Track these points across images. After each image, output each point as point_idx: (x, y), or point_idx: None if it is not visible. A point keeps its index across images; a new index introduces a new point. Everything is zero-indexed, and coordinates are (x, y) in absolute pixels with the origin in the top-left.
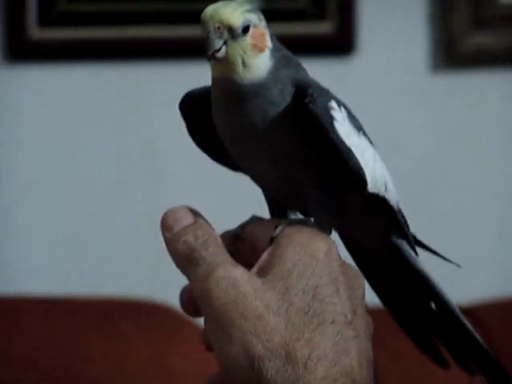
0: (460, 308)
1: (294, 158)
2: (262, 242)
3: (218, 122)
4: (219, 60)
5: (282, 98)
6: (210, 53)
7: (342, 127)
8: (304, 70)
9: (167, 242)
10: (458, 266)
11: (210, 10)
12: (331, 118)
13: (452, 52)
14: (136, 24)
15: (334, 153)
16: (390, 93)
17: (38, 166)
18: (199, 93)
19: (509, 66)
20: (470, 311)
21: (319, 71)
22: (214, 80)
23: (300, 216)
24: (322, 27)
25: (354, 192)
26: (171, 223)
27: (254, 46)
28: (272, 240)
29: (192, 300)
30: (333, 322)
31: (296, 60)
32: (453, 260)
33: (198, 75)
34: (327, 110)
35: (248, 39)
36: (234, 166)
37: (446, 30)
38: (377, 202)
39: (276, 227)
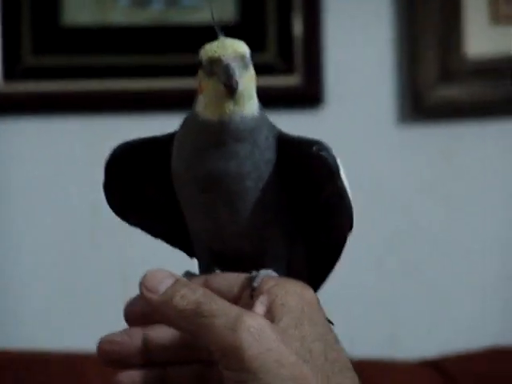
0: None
1: (270, 206)
2: (224, 294)
3: (187, 168)
4: (237, 92)
5: (267, 144)
6: (234, 83)
7: (343, 175)
8: None
9: (157, 302)
10: (331, 323)
11: (216, 45)
12: (338, 167)
13: (419, 104)
14: (102, 77)
15: (331, 200)
16: (358, 145)
17: (15, 218)
18: (133, 146)
19: (476, 118)
20: (438, 363)
21: (288, 123)
22: (201, 120)
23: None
24: (290, 80)
25: (323, 240)
26: (155, 285)
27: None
28: (253, 291)
29: (120, 350)
30: (347, 368)
31: None
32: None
33: (165, 126)
34: (335, 159)
35: (252, 69)
36: (139, 225)
37: (413, 83)
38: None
39: (252, 279)
